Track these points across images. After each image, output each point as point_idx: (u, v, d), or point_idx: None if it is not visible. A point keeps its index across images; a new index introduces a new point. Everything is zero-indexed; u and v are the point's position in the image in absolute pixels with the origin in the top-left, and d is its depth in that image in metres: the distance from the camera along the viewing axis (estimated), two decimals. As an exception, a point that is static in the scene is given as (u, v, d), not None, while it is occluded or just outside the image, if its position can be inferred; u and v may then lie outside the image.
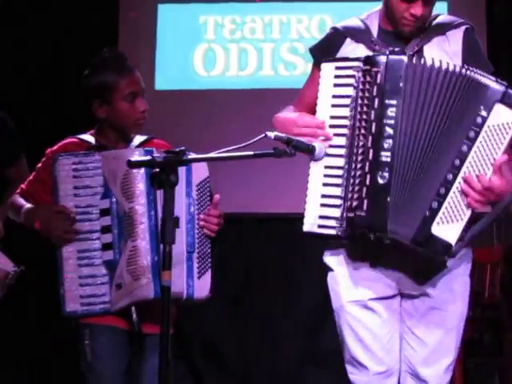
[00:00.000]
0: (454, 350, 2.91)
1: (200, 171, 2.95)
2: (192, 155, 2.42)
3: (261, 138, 2.41)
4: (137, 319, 2.86)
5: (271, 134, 2.45)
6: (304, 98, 2.97)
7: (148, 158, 2.43)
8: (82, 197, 2.92)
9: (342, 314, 2.91)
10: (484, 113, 2.58)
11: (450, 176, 2.62)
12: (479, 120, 2.57)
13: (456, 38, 2.86)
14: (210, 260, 2.97)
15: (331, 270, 2.92)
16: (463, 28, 2.88)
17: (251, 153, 2.38)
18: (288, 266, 4.92)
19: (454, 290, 2.89)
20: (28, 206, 3.00)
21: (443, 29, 2.85)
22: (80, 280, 2.89)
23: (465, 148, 2.60)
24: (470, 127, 2.60)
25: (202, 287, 2.92)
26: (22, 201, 3.05)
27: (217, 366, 5.28)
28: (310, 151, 2.63)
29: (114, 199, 2.88)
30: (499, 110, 2.57)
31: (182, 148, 2.34)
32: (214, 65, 5.46)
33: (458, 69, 2.61)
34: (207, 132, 4.88)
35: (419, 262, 2.81)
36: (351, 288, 2.90)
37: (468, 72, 2.60)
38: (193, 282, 2.89)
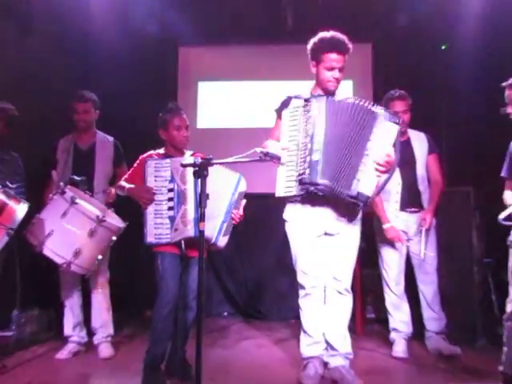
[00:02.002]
0: (354, 264, 3.02)
1: (243, 186, 2.98)
2: (215, 160, 2.45)
3: (252, 152, 2.49)
4: (184, 248, 2.88)
5: (258, 150, 2.53)
6: (273, 135, 3.01)
7: (192, 161, 2.50)
8: (159, 181, 2.91)
9: (295, 246, 3.00)
10: (377, 125, 2.68)
11: (364, 158, 2.70)
12: (375, 129, 2.67)
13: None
14: (231, 230, 2.98)
15: (286, 221, 3.02)
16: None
17: (248, 159, 2.47)
18: (266, 222, 4.82)
19: (354, 232, 2.98)
20: (129, 185, 3.01)
21: (341, 96, 2.90)
22: (155, 225, 2.89)
23: (369, 144, 2.70)
24: (371, 132, 2.68)
25: (223, 241, 2.95)
26: (125, 183, 3.04)
27: (229, 273, 5.20)
28: (278, 159, 2.67)
29: (176, 183, 2.87)
30: (387, 124, 2.69)
31: (210, 156, 2.44)
32: (230, 114, 5.36)
33: (361, 102, 2.72)
34: (224, 149, 4.79)
35: (338, 214, 2.89)
36: (299, 231, 2.96)
37: (367, 105, 2.71)
38: (219, 235, 2.91)
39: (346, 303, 3.01)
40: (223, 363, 3.43)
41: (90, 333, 3.71)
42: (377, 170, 2.69)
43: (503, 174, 2.96)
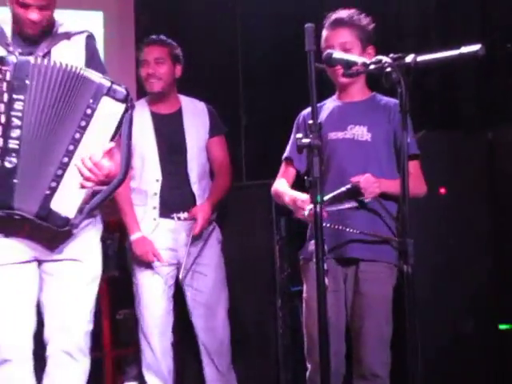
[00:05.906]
0: (92, 305, 2.32)
1: None
2: None
3: None
4: None
5: None
6: None
7: None
8: None
9: None
10: (93, 105, 2.12)
11: (66, 159, 2.15)
12: (89, 111, 2.11)
13: (79, 42, 2.33)
14: None
15: None
16: (85, 35, 2.35)
17: None
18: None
19: (90, 256, 2.33)
20: None
21: (69, 34, 2.30)
22: None
23: (78, 135, 2.13)
24: (81, 117, 2.12)
25: None
26: None
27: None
28: None
29: None
30: (106, 101, 2.12)
31: None
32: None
33: (72, 68, 2.11)
34: None
35: (56, 232, 2.24)
36: None
37: (79, 71, 2.10)
38: None
39: (79, 373, 2.30)
40: None
41: None
42: (81, 173, 2.12)
43: (287, 154, 2.41)
